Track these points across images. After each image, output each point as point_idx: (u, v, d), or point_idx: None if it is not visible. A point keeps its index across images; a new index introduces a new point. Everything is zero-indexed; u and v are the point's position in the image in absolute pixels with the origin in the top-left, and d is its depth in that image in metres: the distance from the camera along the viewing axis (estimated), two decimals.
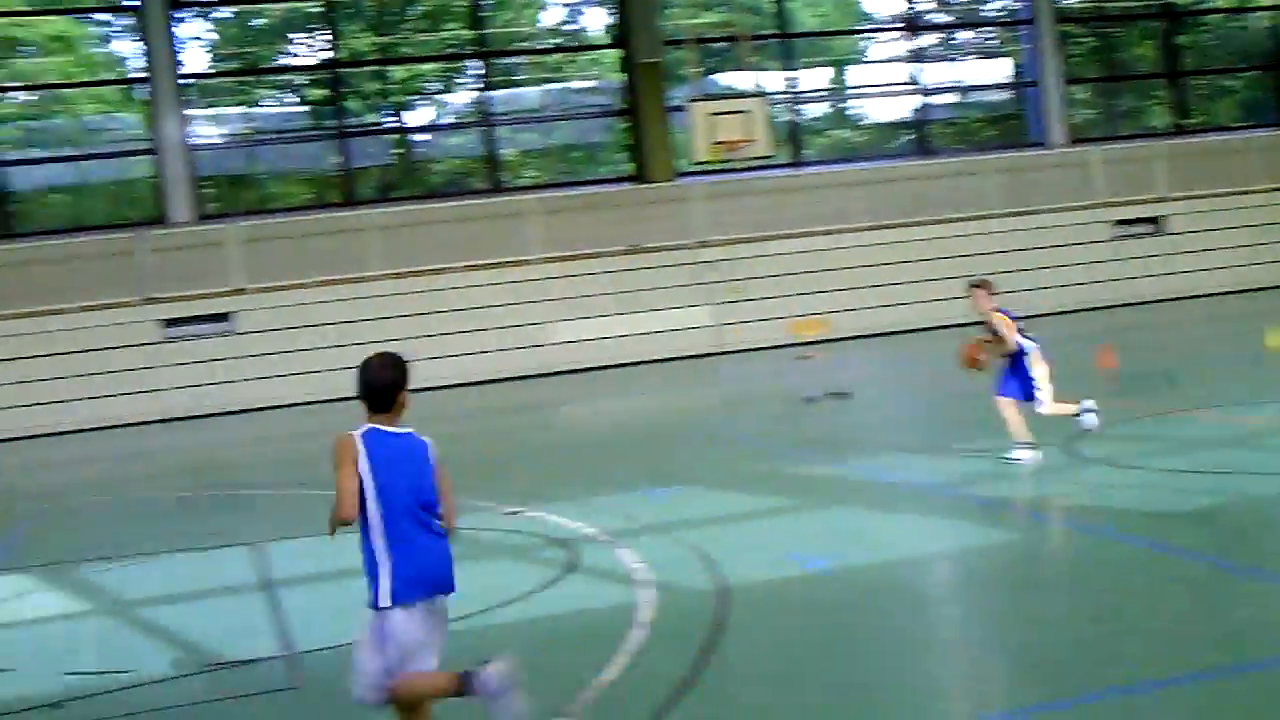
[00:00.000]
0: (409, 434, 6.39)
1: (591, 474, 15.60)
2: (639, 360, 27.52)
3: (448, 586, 6.30)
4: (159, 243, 26.82)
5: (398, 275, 27.09)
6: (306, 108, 31.38)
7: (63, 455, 23.41)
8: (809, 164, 31.42)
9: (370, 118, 31.17)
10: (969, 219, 30.52)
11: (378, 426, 6.32)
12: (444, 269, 27.22)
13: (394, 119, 31.80)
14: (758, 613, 8.73)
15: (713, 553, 10.33)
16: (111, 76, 31.12)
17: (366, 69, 30.90)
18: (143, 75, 28.74)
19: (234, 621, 9.83)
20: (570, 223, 28.26)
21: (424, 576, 6.16)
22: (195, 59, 30.53)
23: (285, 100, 32.05)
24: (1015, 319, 13.15)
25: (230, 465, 21.10)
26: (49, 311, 25.89)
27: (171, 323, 26.53)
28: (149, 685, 8.30)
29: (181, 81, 28.21)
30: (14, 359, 25.58)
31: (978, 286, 13.36)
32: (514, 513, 12.66)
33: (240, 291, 26.72)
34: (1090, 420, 13.00)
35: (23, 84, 30.51)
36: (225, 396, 26.22)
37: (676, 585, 9.47)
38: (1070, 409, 12.98)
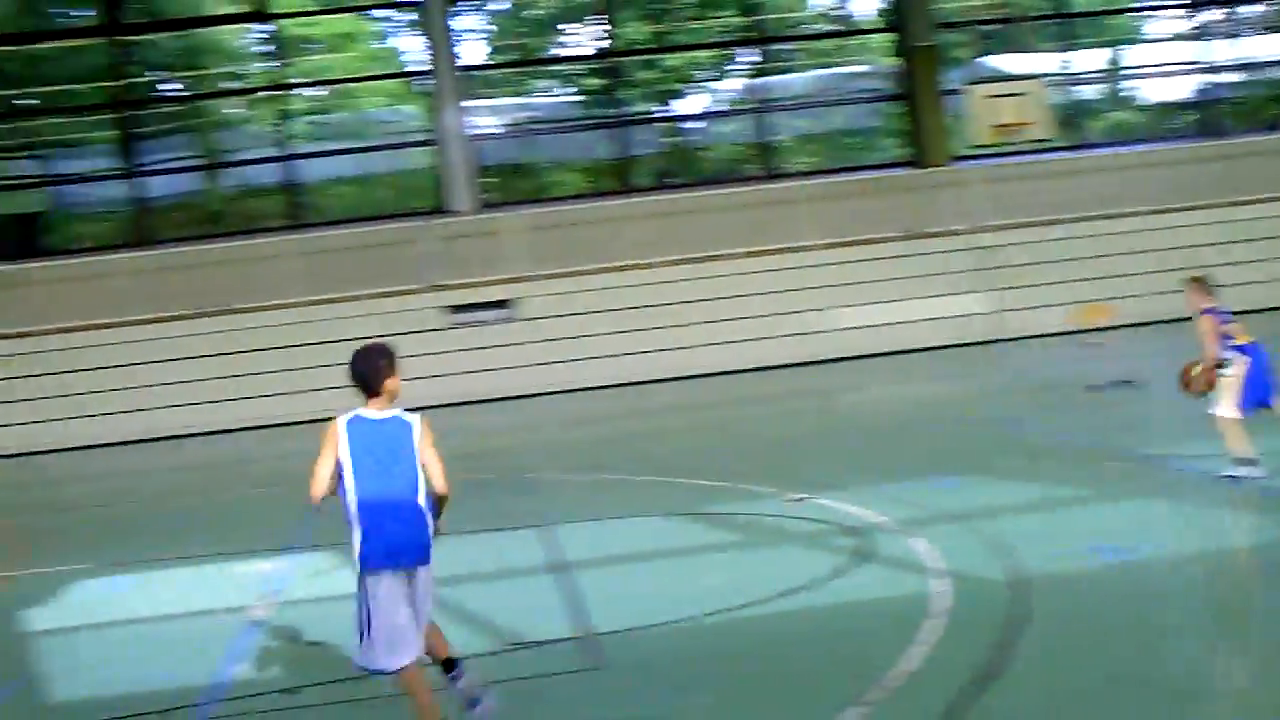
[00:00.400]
0: (394, 417, 7.09)
1: (875, 462, 15.51)
2: (917, 347, 27.17)
3: (417, 560, 7.02)
4: (442, 231, 27.44)
5: (673, 262, 27.22)
6: (581, 97, 31.78)
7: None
8: (1089, 146, 30.67)
9: (644, 106, 31.41)
10: (1256, 202, 29.42)
11: (362, 412, 7.08)
12: (719, 255, 27.30)
13: (668, 107, 32.00)
14: (1056, 603, 8.61)
15: (1005, 542, 10.22)
16: (394, 71, 32.03)
17: (640, 57, 31.13)
18: (424, 69, 29.44)
19: (529, 602, 10.04)
20: (845, 209, 28.07)
21: (390, 550, 6.91)
22: (473, 51, 31.18)
23: (560, 90, 32.52)
24: (1226, 322, 12.01)
25: (510, 449, 21.47)
26: (340, 299, 26.67)
27: (456, 309, 27.10)
28: None
29: (460, 74, 28.75)
30: (304, 345, 26.39)
31: (1193, 281, 12.37)
32: (799, 499, 12.68)
33: (521, 279, 27.19)
34: (1242, 472, 11.72)
35: (311, 80, 31.51)
36: (507, 381, 26.71)
37: (970, 575, 9.39)
38: (1240, 444, 11.79)
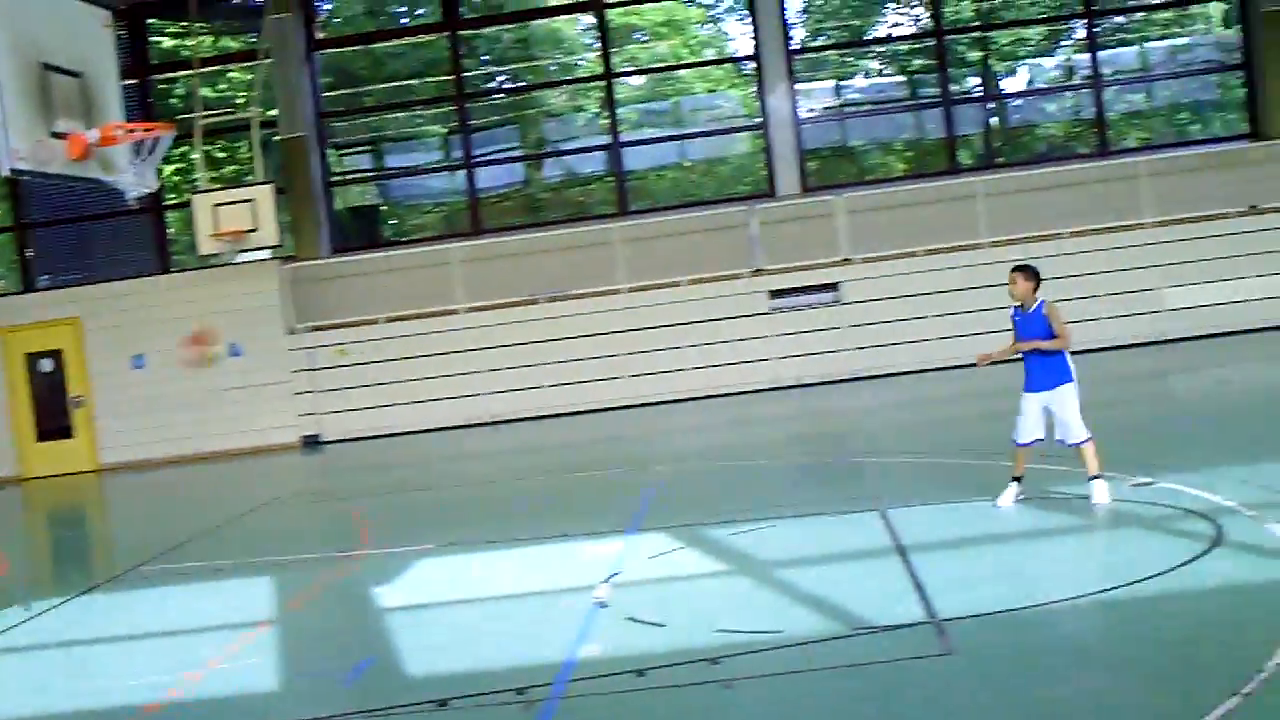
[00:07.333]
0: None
1: (1220, 444, 14.96)
2: (1257, 327, 26.10)
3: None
4: (766, 215, 27.45)
5: (1001, 243, 26.65)
6: (906, 77, 31.35)
7: (678, 423, 24.35)
8: None
9: (972, 84, 30.84)
10: None
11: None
12: (1049, 235, 26.64)
13: (995, 85, 31.30)
14: None
15: None
16: (720, 56, 32.15)
17: (969, 35, 30.54)
18: (749, 53, 29.50)
19: (873, 587, 9.95)
20: (1181, 185, 27.11)
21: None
22: (799, 33, 30.97)
23: (885, 70, 32.12)
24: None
25: (839, 433, 21.40)
26: (665, 284, 26.97)
27: (778, 293, 27.09)
28: (799, 646, 8.50)
29: (787, 57, 28.61)
30: (630, 330, 26.85)
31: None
32: (1145, 483, 12.31)
33: (844, 262, 27.03)
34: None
35: (637, 68, 31.78)
36: (831, 365, 26.63)
37: None
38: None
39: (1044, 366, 12.02)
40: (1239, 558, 9.56)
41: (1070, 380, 12.01)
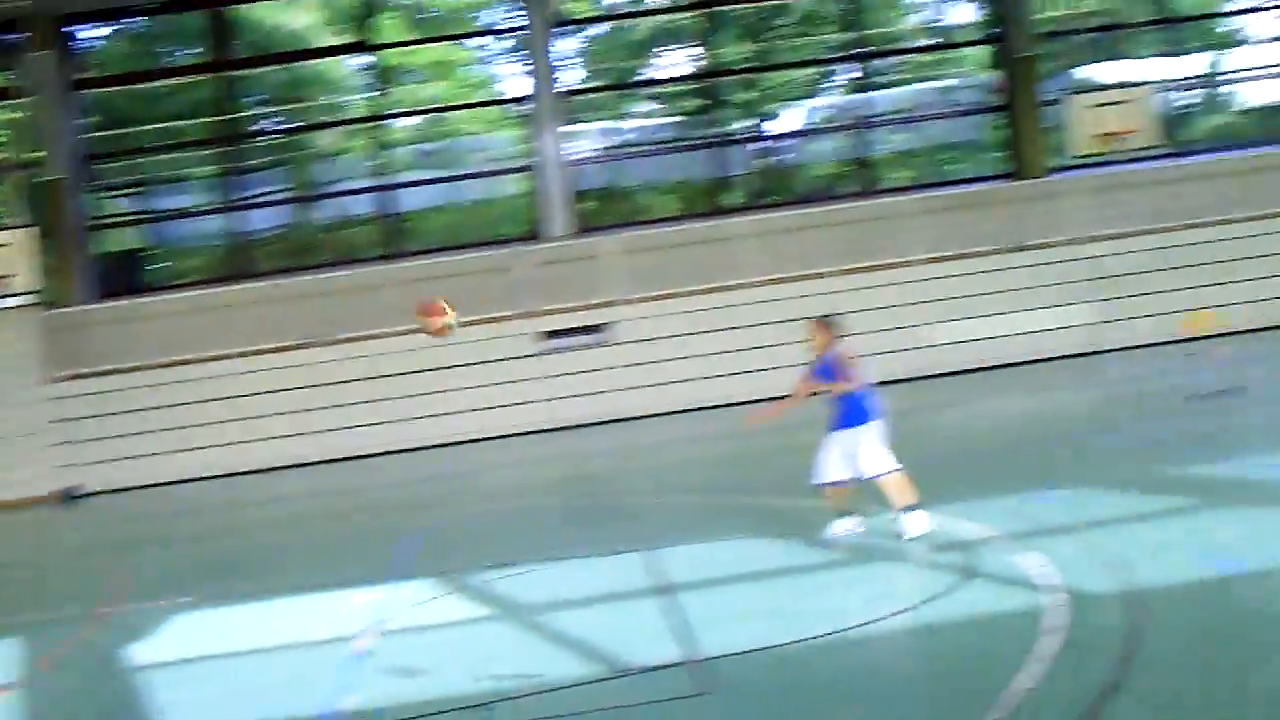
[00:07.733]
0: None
1: (980, 476, 15.32)
2: (1019, 360, 26.82)
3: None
4: (537, 257, 27.45)
5: (771, 281, 27.03)
6: (677, 119, 31.66)
7: (450, 466, 24.15)
8: (1193, 153, 30.10)
9: (741, 125, 31.24)
10: None
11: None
12: (817, 274, 27.04)
13: (764, 126, 31.78)
14: (1172, 616, 8.44)
15: (1117, 554, 10.05)
16: (491, 98, 32.03)
17: (739, 77, 30.94)
18: (522, 94, 29.49)
19: (635, 628, 9.94)
20: (945, 223, 27.73)
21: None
22: (571, 76, 31.09)
23: (657, 112, 32.41)
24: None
25: (608, 474, 21.41)
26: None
27: (550, 334, 27.09)
28: (564, 690, 8.46)
29: (558, 98, 28.69)
30: (406, 374, 26.58)
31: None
32: None
33: (616, 303, 27.13)
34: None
35: (409, 109, 31.46)
36: (602, 406, 26.67)
37: (1084, 588, 9.24)
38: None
39: (843, 409, 12.11)
40: (992, 588, 9.76)
41: (867, 421, 12.06)
